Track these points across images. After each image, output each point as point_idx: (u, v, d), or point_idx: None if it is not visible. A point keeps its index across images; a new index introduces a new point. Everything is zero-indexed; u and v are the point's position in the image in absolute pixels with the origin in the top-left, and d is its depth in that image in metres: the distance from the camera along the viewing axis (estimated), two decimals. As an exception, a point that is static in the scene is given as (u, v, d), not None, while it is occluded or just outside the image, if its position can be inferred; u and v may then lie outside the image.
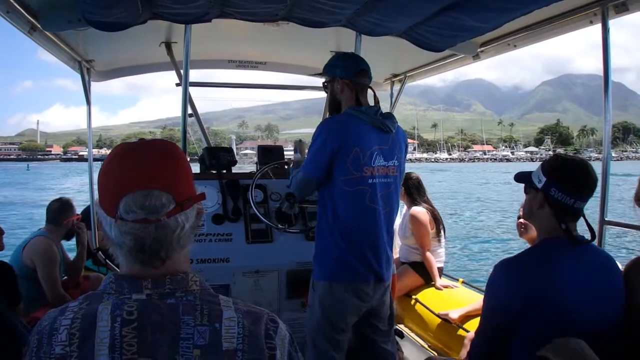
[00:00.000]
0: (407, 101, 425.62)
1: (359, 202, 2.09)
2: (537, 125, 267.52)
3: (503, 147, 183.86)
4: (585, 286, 1.42)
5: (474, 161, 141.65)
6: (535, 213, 1.55)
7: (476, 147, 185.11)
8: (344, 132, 2.07)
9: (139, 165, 0.84)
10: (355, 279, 2.11)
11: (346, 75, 2.22)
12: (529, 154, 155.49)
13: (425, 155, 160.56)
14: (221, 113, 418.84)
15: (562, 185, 1.48)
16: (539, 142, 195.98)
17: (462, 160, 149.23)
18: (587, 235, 1.54)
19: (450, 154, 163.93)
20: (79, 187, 27.01)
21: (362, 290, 2.13)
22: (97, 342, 0.79)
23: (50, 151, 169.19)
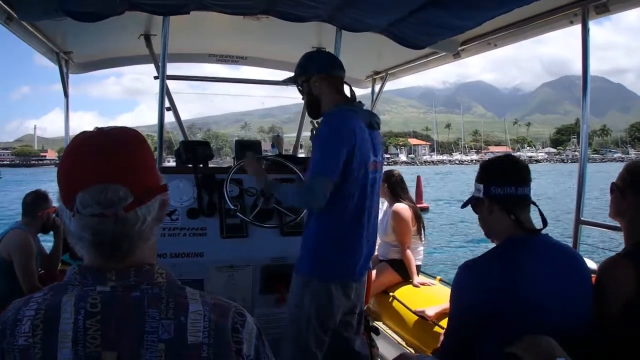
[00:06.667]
0: (407, 103, 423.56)
1: (355, 199, 2.06)
2: (539, 128, 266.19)
3: (528, 148, 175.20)
4: (551, 283, 1.43)
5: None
6: (488, 222, 1.57)
7: (492, 149, 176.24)
8: (353, 130, 2.00)
9: (95, 158, 0.82)
10: (345, 276, 2.10)
11: (323, 69, 2.17)
12: (557, 155, 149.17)
13: (445, 157, 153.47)
14: (220, 117, 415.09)
15: (497, 179, 1.53)
16: (555, 143, 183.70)
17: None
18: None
19: (466, 155, 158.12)
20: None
21: (351, 287, 2.12)
22: (61, 335, 0.77)
23: (45, 156, 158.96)
